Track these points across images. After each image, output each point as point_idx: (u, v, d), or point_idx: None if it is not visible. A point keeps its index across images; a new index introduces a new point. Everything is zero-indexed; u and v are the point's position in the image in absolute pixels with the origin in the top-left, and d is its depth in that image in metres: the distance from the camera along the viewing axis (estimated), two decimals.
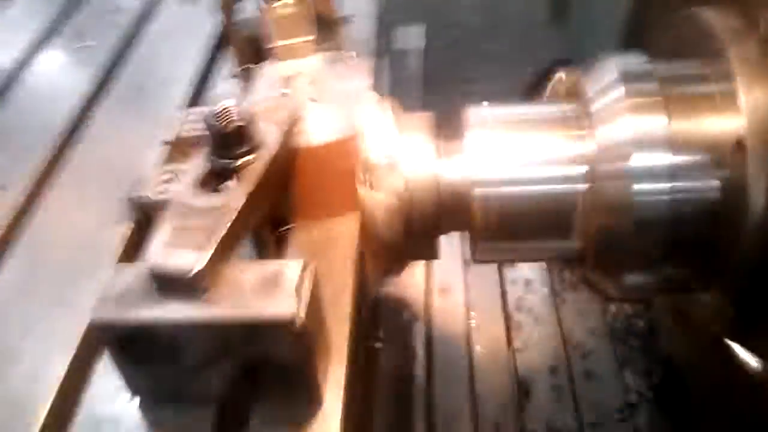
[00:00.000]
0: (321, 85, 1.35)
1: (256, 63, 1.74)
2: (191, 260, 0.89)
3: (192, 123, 1.48)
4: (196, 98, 1.70)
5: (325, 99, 1.31)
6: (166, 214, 0.97)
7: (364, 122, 1.21)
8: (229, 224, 0.95)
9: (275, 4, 1.43)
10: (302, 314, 0.85)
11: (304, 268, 0.93)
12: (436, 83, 4.48)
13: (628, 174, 1.11)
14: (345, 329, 1.03)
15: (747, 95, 1.08)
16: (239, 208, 0.98)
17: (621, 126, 1.13)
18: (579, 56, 2.57)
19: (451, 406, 1.54)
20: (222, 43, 1.90)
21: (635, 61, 1.20)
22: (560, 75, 1.28)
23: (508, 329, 1.75)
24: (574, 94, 1.23)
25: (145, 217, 1.32)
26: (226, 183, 1.07)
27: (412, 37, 2.60)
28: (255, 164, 1.04)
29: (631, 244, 1.13)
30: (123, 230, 1.33)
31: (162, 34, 1.96)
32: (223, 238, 0.94)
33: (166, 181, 1.34)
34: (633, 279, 1.18)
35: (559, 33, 3.10)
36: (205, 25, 1.96)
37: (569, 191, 1.16)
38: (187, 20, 2.02)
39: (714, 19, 1.16)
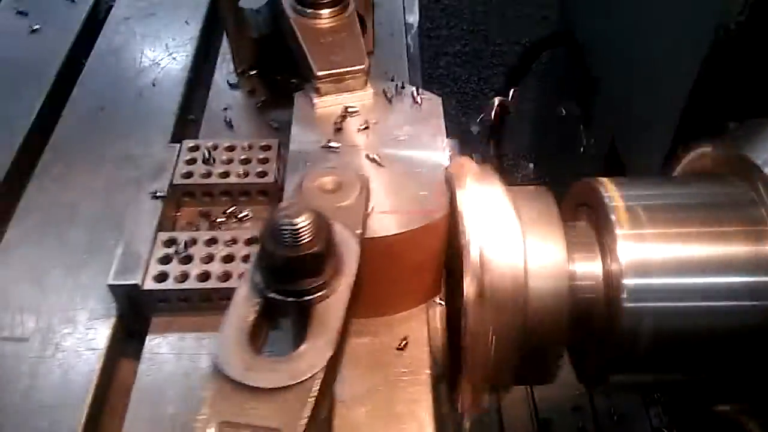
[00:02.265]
0: (381, 134, 0.99)
1: (258, 67, 1.38)
2: None
3: (187, 164, 1.12)
4: (187, 108, 1.31)
5: (389, 158, 0.95)
6: (207, 399, 0.63)
7: (465, 199, 0.86)
8: (305, 419, 0.62)
9: (311, 13, 1.05)
10: None
11: None
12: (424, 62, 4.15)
13: None
14: None
15: None
16: (318, 386, 0.64)
17: None
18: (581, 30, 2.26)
19: None
20: (212, 29, 1.49)
21: None
22: (701, 150, 0.93)
23: None
24: (723, 171, 0.91)
25: (133, 311, 0.97)
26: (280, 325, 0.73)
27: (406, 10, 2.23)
28: (334, 302, 0.69)
29: None
30: (102, 329, 0.96)
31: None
32: None
33: (164, 263, 0.98)
34: None
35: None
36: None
37: (758, 310, 0.83)
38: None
39: None
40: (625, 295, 0.82)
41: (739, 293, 0.83)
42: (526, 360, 0.85)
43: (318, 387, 0.63)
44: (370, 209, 0.87)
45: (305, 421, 0.61)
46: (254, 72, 1.33)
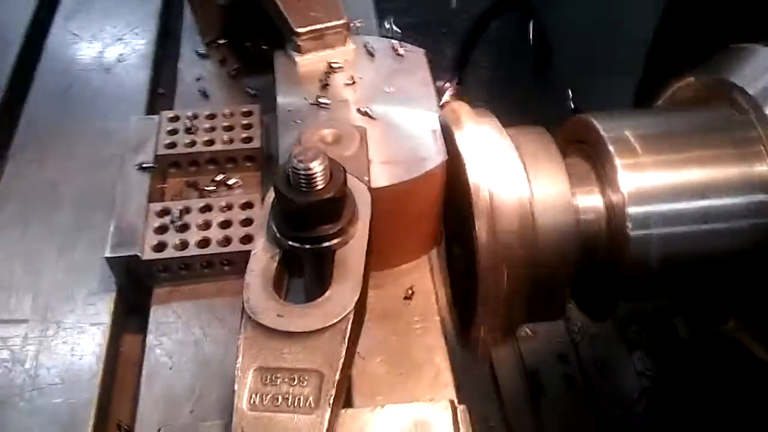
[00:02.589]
0: (368, 88, 0.98)
1: (225, 37, 1.35)
2: None
3: (169, 134, 1.09)
4: (156, 81, 1.27)
5: (382, 112, 0.95)
6: (242, 347, 0.62)
7: (466, 141, 0.87)
8: (342, 359, 0.62)
9: None
10: None
11: (454, 413, 0.64)
12: None
13: None
14: None
15: None
16: (350, 327, 0.64)
17: None
18: None
19: None
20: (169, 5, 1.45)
21: None
22: (686, 80, 0.96)
23: None
24: (706, 99, 0.94)
25: (132, 283, 0.96)
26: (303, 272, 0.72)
27: None
28: (354, 247, 0.69)
29: None
30: (103, 304, 0.94)
31: None
32: (338, 382, 0.61)
33: (161, 232, 0.97)
34: None
35: None
36: None
37: (758, 227, 0.84)
38: None
39: None
40: (629, 224, 0.83)
41: (736, 213, 0.85)
42: (536, 295, 0.87)
43: (350, 328, 0.64)
44: (369, 160, 0.88)
45: (342, 360, 0.62)
46: (223, 41, 1.31)
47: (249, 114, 1.11)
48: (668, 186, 0.85)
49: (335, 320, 0.64)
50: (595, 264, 0.89)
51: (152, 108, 1.23)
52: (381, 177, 0.87)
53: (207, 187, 1.06)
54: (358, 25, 1.16)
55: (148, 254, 0.93)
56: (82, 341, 0.90)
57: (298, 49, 1.01)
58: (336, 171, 0.68)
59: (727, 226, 0.85)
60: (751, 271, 0.86)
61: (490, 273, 0.82)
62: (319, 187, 0.66)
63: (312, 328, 0.63)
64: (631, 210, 0.84)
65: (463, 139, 0.85)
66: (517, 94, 2.53)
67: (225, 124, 1.09)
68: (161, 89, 1.30)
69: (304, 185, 0.66)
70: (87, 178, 1.09)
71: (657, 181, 0.84)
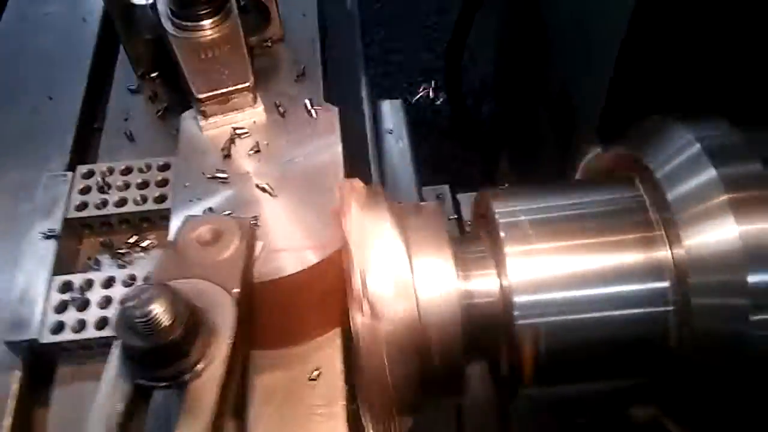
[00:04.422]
0: (273, 157, 0.93)
1: (158, 71, 1.28)
2: None
3: (82, 193, 1.05)
4: (85, 124, 1.23)
5: (284, 185, 0.90)
6: None
7: (350, 227, 0.82)
8: None
9: (189, 26, 0.96)
10: None
11: None
12: None
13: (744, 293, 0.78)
14: None
15: None
16: None
17: (724, 229, 0.78)
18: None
19: None
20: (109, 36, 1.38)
21: (720, 131, 0.83)
22: (597, 151, 0.89)
23: None
24: (618, 171, 0.87)
25: (37, 365, 0.94)
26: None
27: None
28: (207, 380, 0.66)
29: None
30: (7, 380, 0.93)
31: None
32: None
33: (60, 310, 0.94)
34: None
35: None
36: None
37: (652, 314, 0.81)
38: None
39: None
40: (516, 312, 0.81)
41: (631, 301, 0.82)
42: (430, 378, 0.84)
43: None
44: (260, 250, 0.84)
45: None
46: (156, 74, 1.25)
47: (166, 168, 1.06)
48: (558, 274, 0.81)
49: None
50: (493, 348, 0.85)
51: (80, 149, 1.19)
52: (276, 266, 0.83)
53: (120, 249, 1.03)
54: None
55: (47, 336, 0.91)
56: None
57: (203, 113, 0.95)
58: (180, 308, 0.64)
59: (622, 314, 0.82)
60: (651, 359, 0.82)
61: (371, 362, 0.79)
62: (160, 330, 0.63)
63: None
64: (518, 299, 0.80)
65: (347, 225, 0.81)
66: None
67: (139, 180, 1.05)
68: (96, 124, 1.25)
69: (141, 329, 0.62)
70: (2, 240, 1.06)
71: (547, 268, 0.81)
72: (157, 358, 0.64)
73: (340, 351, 0.94)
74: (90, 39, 1.35)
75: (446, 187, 1.93)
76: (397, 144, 1.73)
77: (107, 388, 0.66)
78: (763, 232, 0.76)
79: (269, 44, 1.23)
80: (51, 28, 1.38)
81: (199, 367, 0.66)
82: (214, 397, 0.66)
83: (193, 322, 0.65)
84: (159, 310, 0.63)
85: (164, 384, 0.65)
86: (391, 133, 1.73)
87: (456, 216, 1.49)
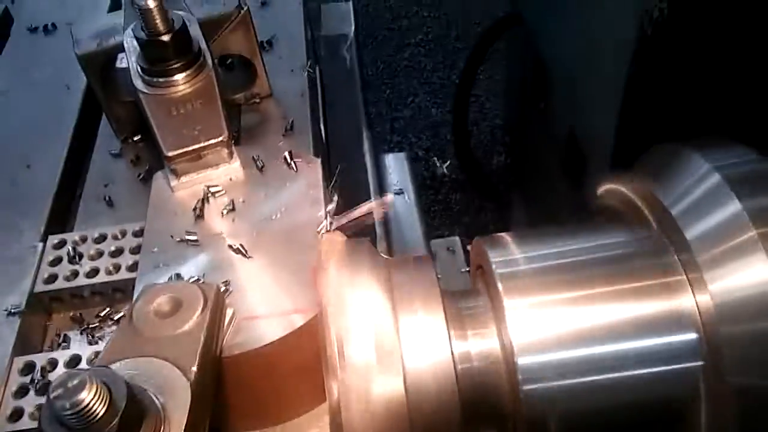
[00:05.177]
0: (249, 215, 0.85)
1: (141, 134, 1.23)
2: None
3: (51, 266, 0.97)
4: (64, 192, 1.17)
5: (259, 246, 0.82)
6: None
7: (326, 287, 0.73)
8: None
9: (161, 82, 0.90)
10: None
11: None
12: (372, 47, 3.99)
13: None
14: None
15: None
16: None
17: (755, 269, 0.68)
18: (529, 11, 2.11)
19: None
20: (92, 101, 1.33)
21: (735, 155, 0.73)
22: (611, 185, 0.79)
23: None
24: (631, 208, 0.77)
25: None
26: None
27: (339, 18, 2.09)
28: None
29: None
30: None
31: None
32: None
33: (20, 395, 0.85)
34: None
35: None
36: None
37: (678, 371, 0.70)
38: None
39: None
40: (521, 376, 0.69)
41: (654, 357, 0.70)
42: None
43: None
44: (230, 318, 0.75)
45: None
46: (138, 137, 1.20)
47: (141, 234, 0.99)
48: (568, 330, 0.69)
49: None
50: (492, 419, 0.74)
51: (56, 219, 1.12)
52: (249, 336, 0.74)
53: (92, 323, 0.95)
54: None
55: (4, 425, 0.82)
56: None
57: (174, 172, 0.88)
58: (117, 394, 0.55)
59: (644, 373, 0.69)
60: (679, 422, 0.70)
61: None
62: (93, 420, 0.53)
63: None
64: (522, 360, 0.69)
65: (325, 286, 0.71)
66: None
67: (113, 248, 0.97)
68: (78, 190, 1.19)
69: (73, 423, 0.53)
70: None
71: (554, 324, 0.70)
72: None
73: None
74: (73, 106, 1.32)
75: (456, 239, 1.85)
76: (403, 197, 1.67)
77: None
78: None
79: (258, 100, 1.19)
80: (35, 96, 1.36)
81: None
82: None
83: (135, 411, 0.56)
84: (90, 399, 0.54)
85: None
86: (400, 194, 1.66)
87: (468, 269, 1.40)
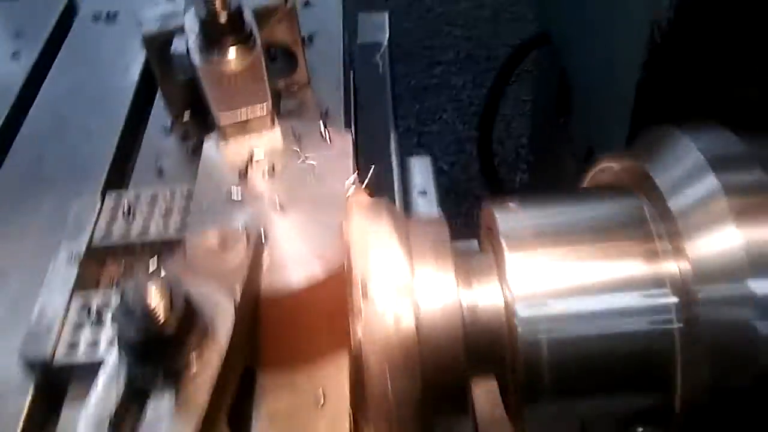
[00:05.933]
0: (286, 179, 0.96)
1: (191, 111, 1.35)
2: None
3: (109, 221, 1.09)
4: (119, 162, 1.29)
5: (294, 204, 0.92)
6: None
7: (352, 235, 0.83)
8: None
9: (212, 58, 1.02)
10: None
11: None
12: (404, 63, 4.11)
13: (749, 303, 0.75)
14: None
15: None
16: None
17: (727, 237, 0.76)
18: (556, 30, 2.21)
19: None
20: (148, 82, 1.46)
21: (721, 140, 0.82)
22: (605, 163, 0.90)
23: None
24: (624, 184, 0.86)
25: (49, 384, 0.95)
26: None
27: (375, 27, 2.20)
28: (199, 382, 0.66)
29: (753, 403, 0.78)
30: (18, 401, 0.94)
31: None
32: None
33: (77, 329, 0.96)
34: None
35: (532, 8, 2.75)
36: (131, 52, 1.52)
37: (659, 330, 0.80)
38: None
39: None
40: (519, 325, 0.79)
41: (637, 312, 0.80)
42: (433, 393, 0.82)
43: None
44: (266, 262, 0.85)
45: None
46: (189, 114, 1.31)
47: (191, 196, 1.10)
48: (562, 284, 0.79)
49: None
50: (498, 363, 0.83)
51: (113, 183, 1.24)
52: (279, 281, 0.84)
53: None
54: None
55: (60, 357, 0.92)
56: None
57: (223, 136, 1.00)
58: (178, 302, 0.65)
59: (627, 327, 0.79)
60: (654, 375, 0.79)
61: (370, 373, 0.78)
62: (153, 323, 0.64)
63: None
64: (521, 310, 0.78)
65: (349, 236, 0.82)
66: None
67: (164, 207, 1.08)
68: (131, 162, 1.31)
69: (137, 320, 0.63)
70: (34, 267, 1.09)
71: (550, 278, 0.80)
72: (148, 353, 0.65)
73: (348, 375, 0.93)
74: (130, 85, 1.44)
75: (475, 242, 1.93)
76: (425, 199, 1.74)
77: (100, 388, 0.67)
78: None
79: (296, 88, 1.30)
80: (96, 75, 1.49)
81: (193, 368, 0.67)
82: (205, 398, 0.66)
83: (189, 314, 0.66)
84: (156, 298, 0.64)
85: (153, 381, 0.66)
86: (423, 195, 1.74)
87: None
